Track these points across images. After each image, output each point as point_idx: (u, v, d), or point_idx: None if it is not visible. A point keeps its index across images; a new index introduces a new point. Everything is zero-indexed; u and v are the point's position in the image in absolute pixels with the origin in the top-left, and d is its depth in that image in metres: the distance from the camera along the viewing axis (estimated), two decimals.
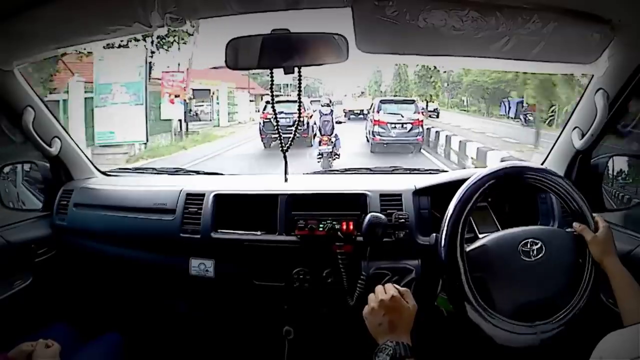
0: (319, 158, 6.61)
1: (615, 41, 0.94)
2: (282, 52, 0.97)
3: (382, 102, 10.20)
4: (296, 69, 0.99)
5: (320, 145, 6.59)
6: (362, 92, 22.47)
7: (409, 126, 9.36)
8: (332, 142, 6.63)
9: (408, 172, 1.52)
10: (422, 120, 9.72)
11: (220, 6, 0.99)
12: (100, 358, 1.16)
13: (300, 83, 1.03)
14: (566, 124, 1.24)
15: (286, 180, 1.30)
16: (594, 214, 0.95)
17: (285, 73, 1.00)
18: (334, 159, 6.65)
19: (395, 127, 9.33)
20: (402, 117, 9.40)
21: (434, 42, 0.97)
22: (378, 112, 9.59)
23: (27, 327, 1.14)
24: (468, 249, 0.95)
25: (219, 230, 1.24)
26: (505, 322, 0.88)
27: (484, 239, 0.97)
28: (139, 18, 0.95)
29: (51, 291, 1.40)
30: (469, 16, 0.89)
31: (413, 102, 10.58)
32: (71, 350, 1.09)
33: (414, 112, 9.72)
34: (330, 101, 8.20)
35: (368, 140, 10.24)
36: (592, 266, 0.91)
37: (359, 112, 17.71)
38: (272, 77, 1.06)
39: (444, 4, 0.89)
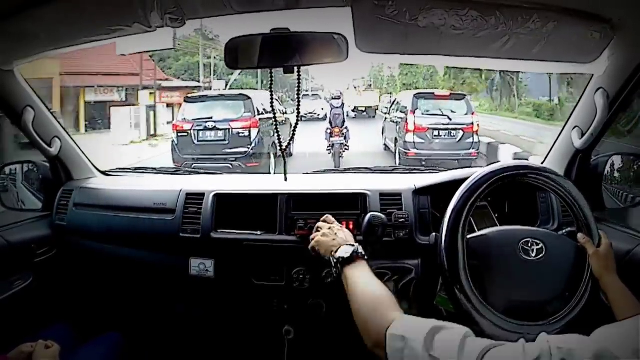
0: (329, 149, 6.87)
1: (615, 40, 0.94)
2: (281, 51, 0.97)
3: (418, 97, 6.85)
4: (296, 69, 0.99)
5: (332, 137, 6.78)
6: (368, 85, 19.76)
7: (459, 134, 6.37)
8: (343, 134, 6.83)
9: (408, 171, 1.51)
10: (477, 125, 6.49)
11: (220, 6, 0.99)
12: (100, 358, 1.16)
13: (299, 83, 1.03)
14: (566, 123, 1.24)
15: (286, 179, 1.30)
16: (600, 231, 0.93)
17: (285, 72, 1.00)
18: (344, 151, 6.87)
19: (439, 136, 6.41)
20: (450, 119, 6.48)
21: (434, 42, 0.97)
22: (413, 112, 6.53)
23: (27, 327, 1.14)
24: (469, 236, 0.95)
25: (219, 230, 1.24)
26: (496, 316, 0.88)
27: (486, 230, 0.98)
28: (138, 19, 0.95)
29: (51, 291, 1.40)
30: (469, 16, 0.89)
31: (463, 97, 7.17)
32: (71, 350, 1.09)
33: (465, 113, 6.64)
34: (341, 94, 7.84)
35: (386, 149, 7.76)
36: (590, 280, 0.90)
37: (363, 109, 15.60)
38: (271, 77, 1.06)
39: (444, 4, 0.88)
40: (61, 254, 1.42)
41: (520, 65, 1.08)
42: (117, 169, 1.75)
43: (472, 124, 6.47)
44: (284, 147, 1.19)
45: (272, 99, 1.12)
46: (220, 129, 6.05)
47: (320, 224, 1.03)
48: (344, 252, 0.88)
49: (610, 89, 1.05)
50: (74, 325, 1.28)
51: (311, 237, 1.02)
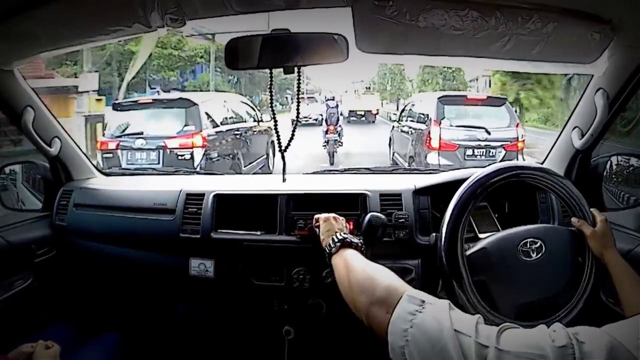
0: (325, 145, 7.65)
1: (615, 41, 0.94)
2: (282, 52, 0.97)
3: (444, 101, 5.18)
4: (296, 69, 0.99)
5: (327, 134, 7.58)
6: (367, 88, 18.84)
7: (499, 153, 4.87)
8: (337, 131, 7.63)
9: (408, 171, 1.52)
10: (522, 141, 4.97)
11: (220, 6, 0.99)
12: (100, 358, 1.16)
13: (299, 84, 1.03)
14: (566, 123, 1.24)
15: (284, 180, 1.30)
16: (590, 209, 0.95)
17: (285, 73, 1.00)
18: (338, 146, 7.68)
19: (474, 155, 4.88)
20: (488, 133, 4.87)
21: (434, 42, 0.97)
22: (438, 122, 4.93)
23: (27, 328, 1.14)
24: (468, 252, 0.94)
25: (219, 230, 1.24)
26: (507, 322, 0.88)
27: (483, 241, 0.97)
28: (138, 19, 0.95)
29: (51, 291, 1.40)
30: (468, 16, 0.89)
31: (503, 102, 5.35)
32: (71, 351, 1.09)
33: (508, 125, 5.04)
34: (340, 100, 8.56)
35: (395, 165, 6.32)
36: (593, 261, 0.91)
37: (362, 113, 14.75)
38: (271, 77, 1.05)
39: (444, 4, 0.88)
40: (61, 254, 1.42)
41: (520, 66, 1.08)
42: (117, 169, 1.75)
43: (517, 139, 4.91)
44: (283, 149, 1.18)
45: (271, 99, 1.12)
46: (153, 149, 4.31)
47: (318, 223, 1.05)
48: (351, 237, 0.89)
49: (610, 89, 1.05)
50: (75, 325, 1.28)
51: (319, 224, 1.03)
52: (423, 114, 5.56)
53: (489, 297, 0.90)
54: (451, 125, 4.95)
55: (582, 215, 0.94)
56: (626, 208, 1.25)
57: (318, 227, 1.02)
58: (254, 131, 5.75)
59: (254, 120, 6.03)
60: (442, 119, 5.00)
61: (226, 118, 5.19)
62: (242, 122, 5.59)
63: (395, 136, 6.81)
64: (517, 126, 5.08)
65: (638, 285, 0.84)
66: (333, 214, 1.04)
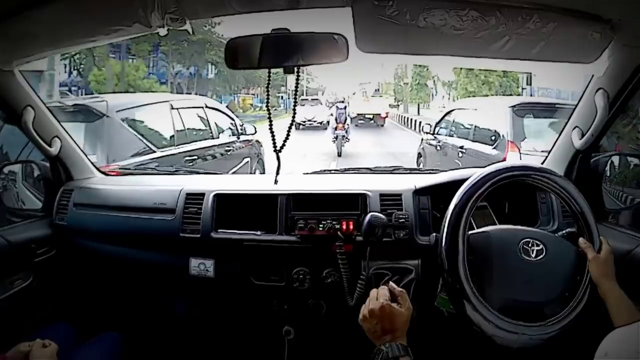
0: (334, 140, 8.98)
1: (615, 41, 0.94)
2: (281, 51, 0.97)
3: (520, 111, 3.55)
4: (295, 69, 0.99)
5: (336, 130, 9.01)
6: (376, 90, 18.46)
7: None
8: (345, 128, 9.04)
9: (408, 172, 1.52)
10: None
11: (220, 6, 0.99)
12: (99, 357, 1.16)
13: (298, 83, 1.03)
14: (566, 123, 1.24)
15: (276, 182, 1.28)
16: (601, 236, 0.93)
17: (285, 72, 1.00)
18: (345, 141, 9.07)
19: None
20: None
21: (434, 42, 0.97)
22: (517, 145, 3.42)
23: (27, 327, 1.14)
24: (470, 232, 0.94)
25: (219, 230, 1.24)
26: (504, 321, 0.88)
27: (488, 227, 0.98)
28: (139, 19, 0.95)
29: (51, 291, 1.40)
30: (469, 16, 0.89)
31: None
32: (70, 350, 1.09)
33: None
34: (348, 103, 10.08)
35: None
36: (589, 285, 0.89)
37: (371, 116, 14.34)
38: (269, 77, 1.05)
39: (444, 4, 0.88)
40: (61, 254, 1.42)
41: (520, 66, 1.08)
42: (117, 168, 1.75)
43: None
44: (278, 149, 1.16)
45: (267, 99, 1.13)
46: None
47: (379, 291, 0.83)
48: (388, 349, 0.75)
49: (610, 89, 1.05)
50: (74, 325, 1.28)
51: (367, 304, 0.83)
52: (478, 127, 4.01)
53: (481, 285, 0.89)
54: (535, 150, 3.21)
55: (584, 220, 0.93)
56: (625, 208, 1.25)
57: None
58: (228, 151, 3.97)
59: (233, 134, 4.26)
60: (523, 139, 3.42)
61: (172, 136, 3.37)
62: (208, 138, 3.80)
63: (428, 152, 5.14)
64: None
65: (633, 316, 0.82)
66: (374, 295, 0.82)
